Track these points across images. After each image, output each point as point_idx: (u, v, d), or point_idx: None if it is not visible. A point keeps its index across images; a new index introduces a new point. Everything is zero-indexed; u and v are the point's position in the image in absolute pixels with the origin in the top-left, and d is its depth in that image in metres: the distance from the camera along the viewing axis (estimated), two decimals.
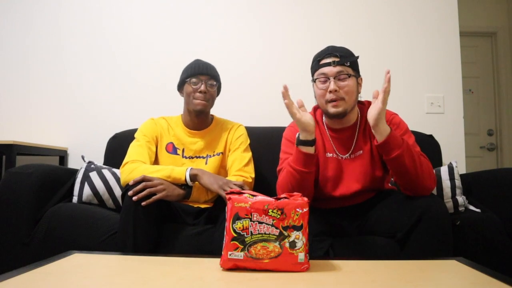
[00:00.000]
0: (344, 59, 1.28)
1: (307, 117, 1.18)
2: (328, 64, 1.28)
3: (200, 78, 1.50)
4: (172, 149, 1.54)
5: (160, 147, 1.54)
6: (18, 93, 2.20)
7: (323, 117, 1.41)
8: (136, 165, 1.39)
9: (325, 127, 1.39)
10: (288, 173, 1.23)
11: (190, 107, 1.53)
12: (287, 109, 1.18)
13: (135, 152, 1.46)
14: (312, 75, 1.35)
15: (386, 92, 1.13)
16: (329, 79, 1.28)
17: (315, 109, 1.45)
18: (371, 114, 1.16)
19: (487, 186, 1.63)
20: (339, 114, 1.28)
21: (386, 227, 1.24)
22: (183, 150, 1.54)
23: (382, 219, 1.26)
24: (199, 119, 1.56)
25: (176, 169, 1.37)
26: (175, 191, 1.33)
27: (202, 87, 1.49)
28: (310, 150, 1.19)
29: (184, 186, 1.37)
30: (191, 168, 1.37)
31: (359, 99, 1.37)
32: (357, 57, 1.32)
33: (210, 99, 1.53)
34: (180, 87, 1.57)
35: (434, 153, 1.86)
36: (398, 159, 1.16)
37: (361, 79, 1.35)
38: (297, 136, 1.22)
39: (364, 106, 1.38)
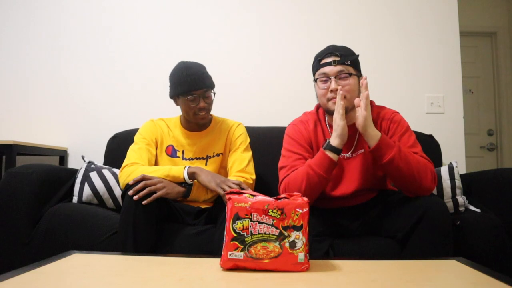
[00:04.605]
0: (344, 58, 1.28)
1: (346, 128, 1.23)
2: (329, 64, 1.29)
3: (197, 94, 1.43)
4: (172, 152, 1.53)
5: (161, 150, 1.53)
6: (18, 93, 2.20)
7: (325, 116, 1.41)
8: (134, 168, 1.38)
9: (327, 126, 1.40)
10: (305, 174, 1.22)
11: (191, 120, 1.50)
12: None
13: (134, 155, 1.45)
14: (314, 75, 1.36)
15: (367, 98, 1.20)
16: (330, 78, 1.29)
17: (317, 107, 1.46)
18: (358, 122, 1.21)
19: (487, 186, 1.63)
20: None
21: (387, 227, 1.24)
22: (182, 152, 1.54)
23: (382, 219, 1.27)
24: (199, 124, 1.55)
25: (174, 168, 1.36)
26: (175, 189, 1.33)
27: (201, 104, 1.44)
28: (335, 157, 1.22)
29: (184, 184, 1.37)
30: (189, 167, 1.37)
31: None
32: (358, 56, 1.33)
33: (210, 107, 1.50)
34: (173, 97, 1.50)
35: (434, 153, 1.86)
36: (391, 163, 1.17)
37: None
38: (327, 141, 1.24)
39: None
